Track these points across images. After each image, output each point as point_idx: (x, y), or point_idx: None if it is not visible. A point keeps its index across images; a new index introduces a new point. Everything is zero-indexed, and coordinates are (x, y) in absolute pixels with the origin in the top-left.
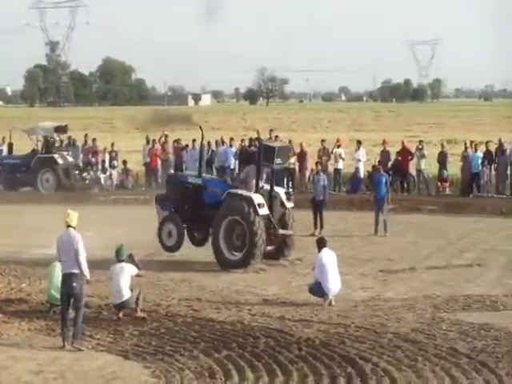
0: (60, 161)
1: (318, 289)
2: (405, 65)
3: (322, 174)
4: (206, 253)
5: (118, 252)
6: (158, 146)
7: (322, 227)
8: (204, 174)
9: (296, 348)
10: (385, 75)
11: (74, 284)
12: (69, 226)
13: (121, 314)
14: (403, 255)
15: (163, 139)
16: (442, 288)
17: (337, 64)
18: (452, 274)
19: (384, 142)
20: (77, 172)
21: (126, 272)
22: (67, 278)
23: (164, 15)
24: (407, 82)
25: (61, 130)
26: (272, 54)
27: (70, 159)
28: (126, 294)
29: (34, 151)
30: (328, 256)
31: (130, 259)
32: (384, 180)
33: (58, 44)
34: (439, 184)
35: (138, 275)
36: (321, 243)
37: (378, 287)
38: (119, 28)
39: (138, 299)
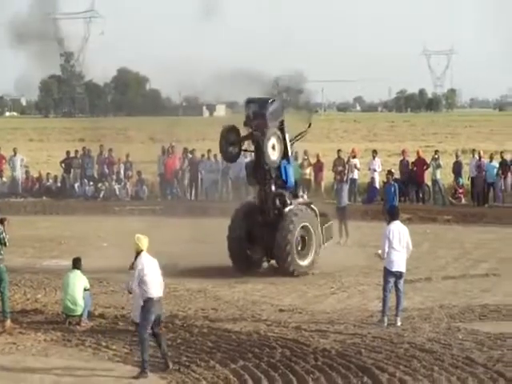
0: None
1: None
2: (419, 75)
3: (344, 182)
4: (220, 263)
5: None
6: (172, 156)
7: (347, 234)
8: None
9: (312, 358)
10: (399, 85)
11: (164, 310)
12: (140, 250)
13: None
14: (419, 265)
15: (170, 150)
16: (458, 298)
17: (352, 74)
18: (468, 283)
19: (403, 152)
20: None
21: None
22: (159, 302)
23: (176, 25)
24: (422, 92)
25: None
26: (286, 64)
27: None
28: None
29: None
30: (397, 229)
31: None
32: (392, 190)
33: (73, 55)
34: (453, 191)
35: None
36: (392, 214)
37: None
38: (134, 38)
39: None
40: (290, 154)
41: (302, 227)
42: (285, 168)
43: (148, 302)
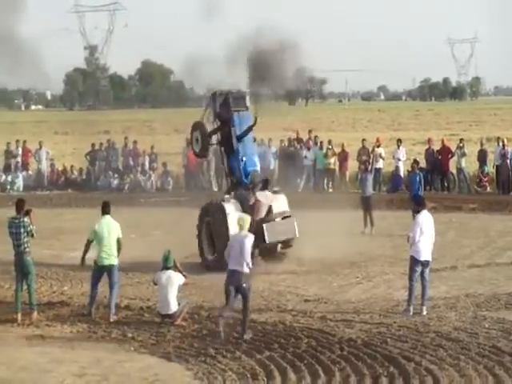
0: None
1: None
2: (443, 63)
3: (369, 172)
4: None
5: (166, 259)
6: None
7: (372, 224)
8: None
9: (338, 348)
10: (423, 74)
11: (244, 285)
12: (242, 228)
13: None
14: (444, 254)
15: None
16: (483, 286)
17: (376, 63)
18: (494, 272)
19: (429, 141)
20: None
21: (174, 283)
22: (235, 274)
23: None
24: (446, 81)
25: None
26: (310, 54)
27: None
28: (174, 308)
29: None
30: (426, 218)
31: (174, 265)
32: (417, 179)
33: (97, 47)
34: (478, 179)
35: (185, 284)
36: (419, 203)
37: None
38: (158, 30)
39: (182, 311)
40: (234, 147)
41: (208, 221)
42: (231, 161)
43: (227, 273)
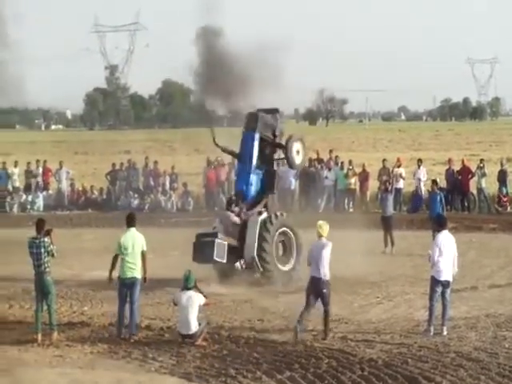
0: None
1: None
2: (464, 83)
3: (389, 192)
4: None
5: (187, 279)
6: (217, 168)
7: (392, 244)
8: None
9: (359, 368)
10: (444, 94)
11: (324, 290)
12: (321, 236)
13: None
14: (465, 274)
15: (216, 163)
16: (504, 306)
17: (396, 83)
18: None
19: (449, 161)
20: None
21: (195, 303)
22: (314, 281)
23: None
24: (466, 101)
25: None
26: (331, 74)
27: None
28: (194, 328)
29: None
30: (446, 238)
31: (195, 285)
32: (438, 198)
33: (118, 67)
34: (498, 200)
35: (205, 304)
36: (440, 223)
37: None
38: (178, 50)
39: (202, 331)
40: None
41: None
42: None
43: (309, 280)
